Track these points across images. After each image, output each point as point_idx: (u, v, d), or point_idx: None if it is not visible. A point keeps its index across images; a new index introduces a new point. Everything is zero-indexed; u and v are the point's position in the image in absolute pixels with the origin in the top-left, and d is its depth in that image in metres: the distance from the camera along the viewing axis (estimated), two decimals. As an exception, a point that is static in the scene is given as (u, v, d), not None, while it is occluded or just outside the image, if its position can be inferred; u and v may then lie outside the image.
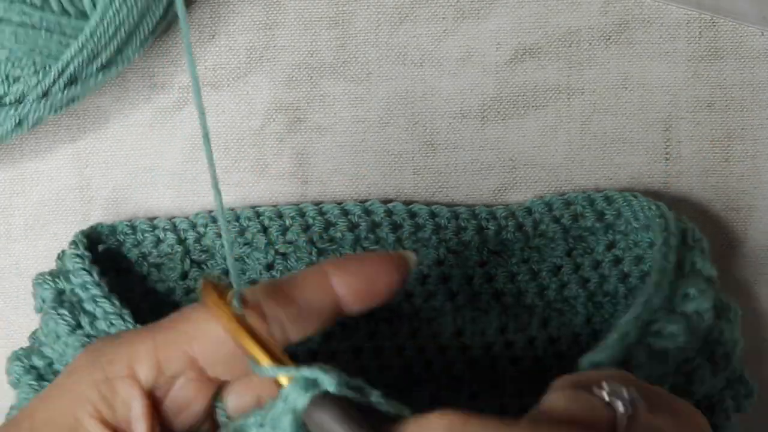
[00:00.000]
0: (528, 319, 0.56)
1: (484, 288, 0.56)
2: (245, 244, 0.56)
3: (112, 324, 0.50)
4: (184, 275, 0.56)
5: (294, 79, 0.57)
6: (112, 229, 0.56)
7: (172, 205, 0.57)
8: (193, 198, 0.57)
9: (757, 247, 0.58)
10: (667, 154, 0.57)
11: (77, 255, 0.52)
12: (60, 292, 0.52)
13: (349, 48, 0.57)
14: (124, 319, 0.50)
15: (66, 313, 0.51)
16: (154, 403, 0.43)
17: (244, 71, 0.56)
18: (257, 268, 0.56)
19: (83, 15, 0.49)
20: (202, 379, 0.44)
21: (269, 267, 0.56)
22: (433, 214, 0.56)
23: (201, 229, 0.56)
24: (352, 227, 0.55)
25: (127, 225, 0.56)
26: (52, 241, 0.58)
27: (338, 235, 0.55)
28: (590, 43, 0.57)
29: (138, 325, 0.50)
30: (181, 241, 0.56)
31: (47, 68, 0.50)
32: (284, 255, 0.56)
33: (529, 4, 0.56)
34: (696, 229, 0.54)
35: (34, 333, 0.54)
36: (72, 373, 0.44)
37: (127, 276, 0.56)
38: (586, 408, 0.38)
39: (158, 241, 0.56)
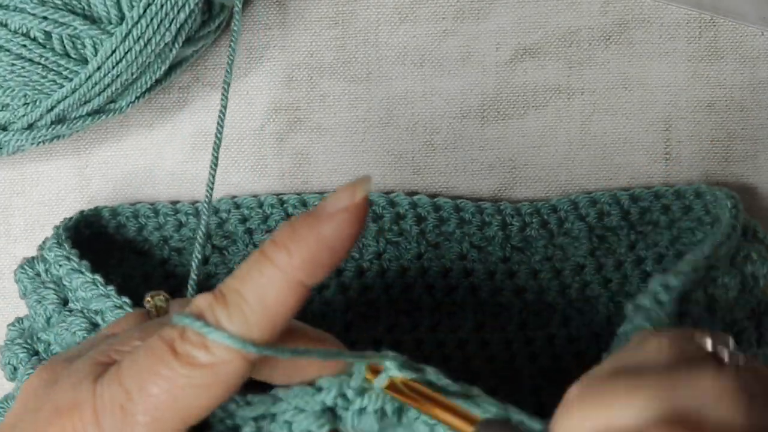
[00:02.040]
0: (548, 316, 0.56)
1: (505, 284, 0.56)
2: (267, 231, 0.56)
3: (90, 292, 0.49)
4: (206, 260, 0.56)
5: (294, 79, 0.57)
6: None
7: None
8: (194, 198, 0.57)
9: (757, 247, 0.58)
10: (667, 154, 0.57)
11: (57, 244, 0.51)
12: (37, 274, 0.52)
13: (349, 48, 0.57)
14: (96, 285, 0.49)
15: (50, 291, 0.51)
16: None
17: (244, 71, 0.57)
18: None
19: (83, 60, 0.49)
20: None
21: None
22: (457, 208, 0.55)
23: (224, 215, 0.56)
24: (376, 218, 0.55)
25: (149, 208, 0.55)
26: (52, 241, 0.58)
27: None
28: (590, 43, 0.57)
29: (110, 288, 0.49)
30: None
31: (37, 103, 0.50)
32: None
33: (529, 4, 0.56)
34: (758, 224, 0.54)
35: (20, 321, 0.53)
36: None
37: (148, 259, 0.56)
38: (692, 353, 0.35)
39: (180, 225, 0.56)
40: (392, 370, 0.39)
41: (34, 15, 0.48)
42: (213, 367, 0.37)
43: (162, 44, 0.49)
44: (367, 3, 0.56)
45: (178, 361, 0.37)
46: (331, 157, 0.57)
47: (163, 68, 0.51)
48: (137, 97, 0.52)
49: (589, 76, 0.57)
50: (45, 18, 0.48)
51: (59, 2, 0.48)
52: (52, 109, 0.50)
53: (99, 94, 0.50)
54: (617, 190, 0.56)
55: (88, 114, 0.51)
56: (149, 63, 0.50)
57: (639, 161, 0.57)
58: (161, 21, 0.49)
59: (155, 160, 0.57)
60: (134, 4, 0.48)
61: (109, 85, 0.50)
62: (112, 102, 0.52)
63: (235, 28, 0.51)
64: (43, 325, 0.51)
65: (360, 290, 0.56)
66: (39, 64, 0.49)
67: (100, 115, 0.52)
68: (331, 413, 0.40)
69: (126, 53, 0.49)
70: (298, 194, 0.56)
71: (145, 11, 0.48)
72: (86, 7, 0.48)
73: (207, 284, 0.56)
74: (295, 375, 0.41)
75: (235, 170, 0.57)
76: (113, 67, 0.49)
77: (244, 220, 0.55)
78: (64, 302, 0.51)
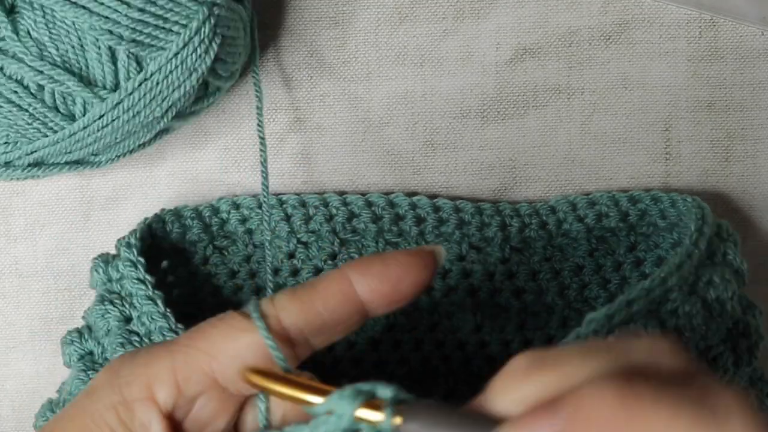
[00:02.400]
0: (547, 317, 0.56)
1: (505, 285, 0.56)
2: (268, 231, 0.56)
3: (153, 320, 0.50)
4: (206, 260, 0.56)
5: (294, 79, 0.57)
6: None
7: (171, 205, 0.57)
8: (193, 198, 0.57)
9: (757, 247, 0.58)
10: (667, 154, 0.57)
11: (131, 261, 0.51)
12: (109, 279, 0.52)
13: (349, 48, 0.57)
14: (166, 318, 0.50)
15: (114, 308, 0.51)
16: (175, 423, 0.42)
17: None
18: (279, 256, 0.56)
19: (70, 116, 0.49)
20: (225, 396, 0.42)
21: (291, 255, 0.56)
22: (457, 209, 0.55)
23: (224, 215, 0.56)
24: (376, 219, 0.55)
25: (155, 213, 0.55)
26: (52, 241, 0.58)
27: (361, 226, 0.55)
28: (590, 43, 0.57)
29: (179, 325, 0.50)
30: (206, 228, 0.56)
31: (17, 144, 0.50)
32: (306, 244, 0.56)
33: (529, 4, 0.56)
34: (729, 225, 0.54)
35: (89, 311, 0.54)
36: (91, 393, 0.42)
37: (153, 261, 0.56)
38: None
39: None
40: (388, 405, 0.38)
41: (30, 67, 0.48)
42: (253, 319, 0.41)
43: (151, 117, 0.50)
44: (367, 3, 0.56)
45: (237, 312, 0.42)
46: (331, 157, 0.57)
47: (148, 136, 0.51)
48: (118, 156, 0.52)
49: (589, 76, 0.57)
50: (41, 72, 0.48)
51: (58, 58, 0.48)
52: (31, 153, 0.50)
53: (80, 150, 0.50)
54: (616, 190, 0.56)
55: (66, 163, 0.52)
56: (135, 131, 0.50)
57: (639, 161, 0.57)
58: (154, 97, 0.49)
59: (155, 160, 0.57)
60: (131, 75, 0.48)
61: (91, 144, 0.50)
62: (93, 156, 0.52)
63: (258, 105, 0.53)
64: (103, 333, 0.51)
65: None
66: (26, 111, 0.49)
67: (78, 166, 0.52)
68: None
69: (113, 120, 0.49)
70: (297, 194, 0.56)
71: (140, 85, 0.48)
72: (83, 68, 0.48)
73: (207, 284, 0.56)
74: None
75: (235, 170, 0.57)
76: (98, 130, 0.49)
77: (244, 220, 0.55)
78: (128, 320, 0.51)
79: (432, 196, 0.56)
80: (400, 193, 0.56)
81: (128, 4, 0.47)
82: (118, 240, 0.53)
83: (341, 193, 0.56)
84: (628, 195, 0.55)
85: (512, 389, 0.35)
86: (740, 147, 0.57)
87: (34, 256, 0.58)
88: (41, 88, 0.48)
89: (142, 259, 0.51)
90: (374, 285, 0.42)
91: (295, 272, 0.56)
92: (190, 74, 0.49)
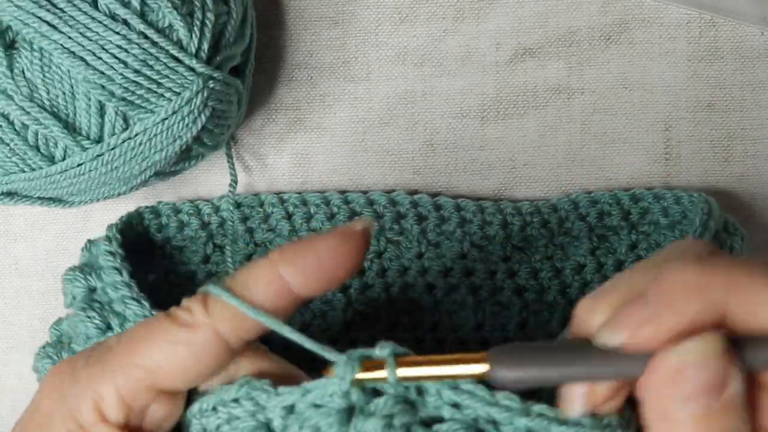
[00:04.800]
0: (549, 316, 0.56)
1: (506, 283, 0.56)
2: (269, 230, 0.56)
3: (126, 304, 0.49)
4: (207, 259, 0.56)
5: (294, 79, 0.57)
6: (155, 211, 0.55)
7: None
8: (192, 198, 0.57)
9: (757, 247, 0.58)
10: (667, 154, 0.57)
11: (110, 252, 0.51)
12: (91, 290, 0.52)
13: (349, 48, 0.57)
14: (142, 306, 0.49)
15: (95, 315, 0.50)
16: (133, 428, 0.42)
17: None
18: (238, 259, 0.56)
19: (50, 158, 0.49)
20: (176, 395, 0.43)
21: None
22: (458, 207, 0.55)
23: (224, 214, 0.56)
24: (377, 217, 0.55)
25: (148, 210, 0.55)
26: (52, 241, 0.58)
27: None
28: (590, 43, 0.57)
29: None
30: (204, 225, 0.56)
31: None
32: None
33: (529, 4, 0.56)
34: (736, 221, 0.54)
35: (58, 323, 0.53)
36: (43, 424, 0.43)
37: (148, 258, 0.56)
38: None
39: (182, 225, 0.56)
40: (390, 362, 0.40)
41: (18, 105, 0.48)
42: (188, 327, 0.41)
43: (129, 174, 0.50)
44: (367, 3, 0.56)
45: (166, 319, 0.42)
46: (331, 157, 0.57)
47: (124, 189, 0.51)
48: (92, 200, 0.52)
49: (589, 76, 0.57)
50: (27, 112, 0.48)
51: (47, 102, 0.48)
52: (5, 184, 0.50)
53: (54, 190, 0.50)
54: (617, 190, 0.56)
55: (39, 198, 0.52)
56: (112, 183, 0.50)
57: (639, 161, 0.57)
58: (135, 156, 0.49)
59: (155, 160, 0.57)
60: (116, 131, 0.48)
61: (65, 187, 0.50)
62: (69, 195, 0.52)
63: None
64: (83, 340, 0.51)
65: (360, 289, 0.56)
66: (8, 145, 0.49)
67: (51, 202, 0.52)
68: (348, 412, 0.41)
69: (91, 170, 0.49)
70: (299, 192, 0.56)
71: (123, 142, 0.48)
72: (71, 115, 0.48)
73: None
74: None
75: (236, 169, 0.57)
76: (75, 177, 0.49)
77: (245, 219, 0.55)
78: (107, 327, 0.50)
79: (433, 195, 0.56)
80: (402, 191, 0.56)
81: (125, 64, 0.47)
82: (90, 242, 0.53)
83: (342, 192, 0.56)
84: (630, 193, 0.55)
85: (593, 314, 0.39)
86: (740, 147, 0.57)
87: (34, 256, 0.58)
88: (26, 127, 0.48)
89: (121, 251, 0.51)
90: (303, 270, 0.41)
91: None
92: (174, 140, 0.49)
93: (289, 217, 0.55)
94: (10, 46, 0.48)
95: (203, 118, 0.49)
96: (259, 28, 0.56)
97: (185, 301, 0.42)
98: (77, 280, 0.52)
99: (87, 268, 0.52)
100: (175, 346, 0.41)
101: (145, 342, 0.42)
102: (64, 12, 0.46)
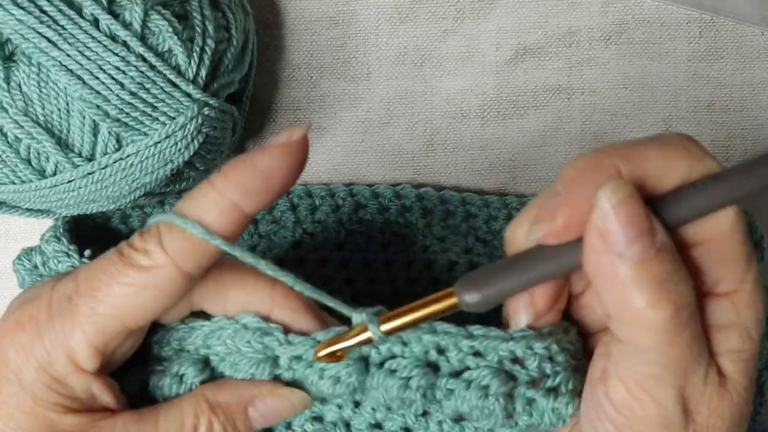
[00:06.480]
0: None
1: None
2: (273, 221, 0.56)
3: None
4: None
5: (294, 79, 0.57)
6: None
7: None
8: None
9: (757, 247, 0.58)
10: (667, 154, 0.57)
11: (54, 237, 0.51)
12: (35, 266, 0.51)
13: (349, 48, 0.57)
14: None
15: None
16: (108, 359, 0.44)
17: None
18: (284, 246, 0.56)
19: (40, 172, 0.49)
20: (143, 327, 0.44)
21: (296, 245, 0.55)
22: (464, 202, 0.55)
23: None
24: (382, 210, 0.55)
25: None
26: (52, 241, 0.58)
27: (368, 217, 0.55)
28: (590, 43, 0.57)
29: None
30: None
31: None
32: (312, 234, 0.55)
33: (529, 4, 0.56)
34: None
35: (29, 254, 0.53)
36: (13, 371, 0.43)
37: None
38: None
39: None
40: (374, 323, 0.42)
41: (13, 119, 0.48)
42: (149, 270, 0.42)
43: (118, 193, 0.50)
44: (367, 3, 0.56)
45: (122, 262, 0.42)
46: (331, 157, 0.57)
47: (112, 206, 0.51)
48: (78, 214, 0.52)
49: (589, 76, 0.57)
50: (21, 126, 0.48)
51: (41, 117, 0.48)
52: None
53: (42, 203, 0.50)
54: None
55: (26, 209, 0.52)
56: (100, 201, 0.50)
57: (639, 161, 0.57)
58: (126, 176, 0.49)
59: (155, 160, 0.57)
60: (108, 151, 0.48)
61: (54, 202, 0.50)
62: (56, 208, 0.52)
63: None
64: None
65: (365, 282, 0.56)
66: None
67: (39, 214, 0.52)
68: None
69: (81, 188, 0.49)
70: (303, 185, 0.56)
71: (115, 162, 0.48)
72: (64, 131, 0.48)
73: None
74: (216, 305, 0.45)
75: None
76: (64, 192, 0.49)
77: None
78: None
79: (439, 188, 0.56)
80: (407, 184, 0.56)
81: (122, 85, 0.47)
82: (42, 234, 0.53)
83: (348, 185, 0.56)
84: None
85: (517, 229, 0.41)
86: (740, 147, 0.57)
87: (34, 256, 0.58)
88: (18, 140, 0.48)
89: (66, 235, 0.51)
90: (258, 201, 0.42)
91: (300, 262, 0.56)
92: (166, 164, 0.49)
93: (293, 208, 0.55)
94: (9, 59, 0.48)
95: (196, 143, 0.49)
96: (260, 28, 0.56)
97: (138, 241, 0.43)
98: (22, 262, 0.52)
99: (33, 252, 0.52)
100: (139, 290, 0.42)
101: (107, 289, 0.42)
102: (64, 29, 0.46)
